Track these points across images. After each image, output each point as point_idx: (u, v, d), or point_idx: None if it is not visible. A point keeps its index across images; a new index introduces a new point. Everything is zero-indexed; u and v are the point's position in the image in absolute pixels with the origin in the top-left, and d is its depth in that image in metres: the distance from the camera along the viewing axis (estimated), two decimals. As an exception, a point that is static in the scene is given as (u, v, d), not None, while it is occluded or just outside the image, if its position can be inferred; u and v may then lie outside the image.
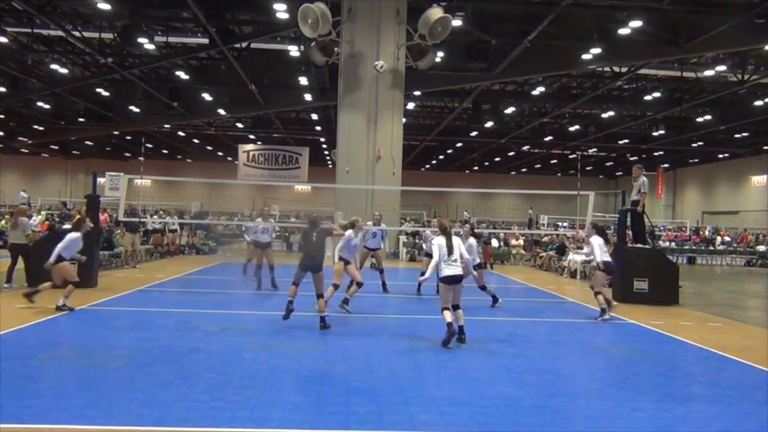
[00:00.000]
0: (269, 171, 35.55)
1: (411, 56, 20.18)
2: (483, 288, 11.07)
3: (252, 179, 35.03)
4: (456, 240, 7.62)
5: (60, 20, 20.98)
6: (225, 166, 49.72)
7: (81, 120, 36.91)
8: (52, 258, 9.08)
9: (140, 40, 21.10)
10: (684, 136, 36.47)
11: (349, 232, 9.98)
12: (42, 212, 23.34)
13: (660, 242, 27.69)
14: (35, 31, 23.23)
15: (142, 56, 24.75)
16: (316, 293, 8.29)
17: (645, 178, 12.72)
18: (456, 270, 7.39)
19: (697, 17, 19.26)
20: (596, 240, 9.93)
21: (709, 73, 24.60)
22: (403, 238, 23.32)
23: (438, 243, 7.53)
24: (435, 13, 17.85)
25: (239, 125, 41.07)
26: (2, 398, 4.75)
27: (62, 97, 32.66)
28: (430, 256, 11.49)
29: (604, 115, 33.83)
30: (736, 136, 36.71)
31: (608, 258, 9.93)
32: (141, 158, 37.87)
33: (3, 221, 23.08)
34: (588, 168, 54.11)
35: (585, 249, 15.84)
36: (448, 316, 7.30)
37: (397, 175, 21.13)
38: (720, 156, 44.34)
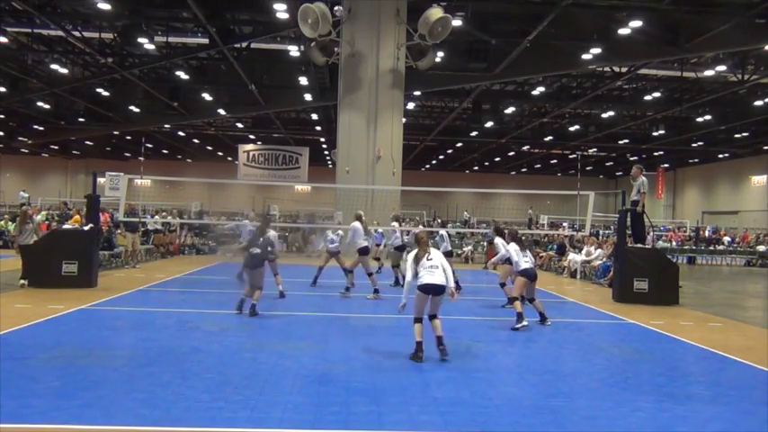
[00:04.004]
0: (269, 171, 35.52)
1: (411, 56, 20.17)
2: (346, 270, 12.02)
3: (252, 179, 35.01)
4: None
5: (60, 20, 20.98)
6: (225, 166, 49.70)
7: (81, 120, 36.90)
8: None
9: (140, 40, 21.10)
10: (684, 136, 36.47)
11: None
12: (42, 212, 23.30)
13: (660, 242, 27.68)
14: (35, 31, 23.24)
15: (142, 56, 24.74)
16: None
17: (644, 178, 12.69)
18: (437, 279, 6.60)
19: (697, 17, 19.25)
20: None
21: (709, 73, 24.60)
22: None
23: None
24: (435, 13, 17.84)
25: (239, 125, 41.08)
26: (2, 398, 4.75)
27: (62, 97, 32.67)
28: None
29: (604, 115, 33.84)
30: (736, 136, 36.70)
31: None
32: (141, 158, 37.88)
33: (2, 221, 23.07)
34: (588, 168, 54.10)
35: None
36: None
37: (397, 175, 21.12)
38: (720, 156, 44.33)
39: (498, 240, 10.64)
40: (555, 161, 52.49)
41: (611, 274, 13.61)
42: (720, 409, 5.23)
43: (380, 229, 16.47)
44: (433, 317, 6.66)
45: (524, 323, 8.57)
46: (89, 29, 23.06)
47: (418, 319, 6.64)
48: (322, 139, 43.49)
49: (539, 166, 55.79)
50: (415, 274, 6.67)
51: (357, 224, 11.86)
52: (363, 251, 11.82)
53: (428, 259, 6.65)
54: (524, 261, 8.95)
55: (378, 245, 16.65)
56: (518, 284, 8.97)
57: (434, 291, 6.52)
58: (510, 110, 33.63)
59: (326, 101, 28.54)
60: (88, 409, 4.62)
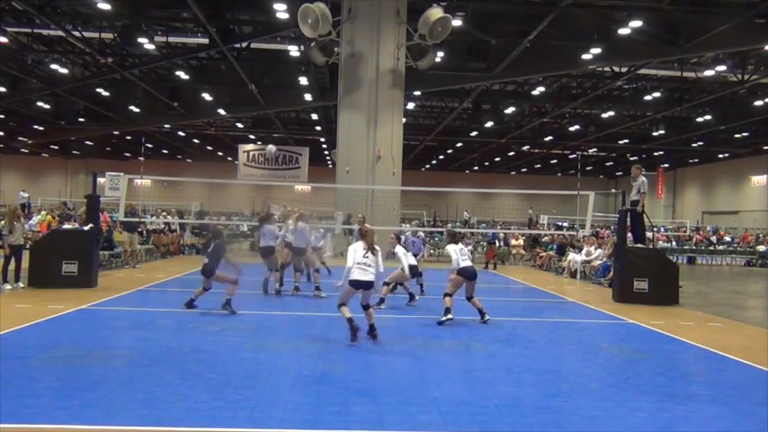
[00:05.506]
0: (269, 171, 35.57)
1: (411, 56, 20.18)
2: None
3: (252, 179, 35.07)
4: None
5: (60, 20, 20.98)
6: (225, 166, 49.73)
7: (81, 120, 36.94)
8: None
9: (140, 40, 21.08)
10: (684, 136, 36.50)
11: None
12: (42, 212, 23.32)
13: (661, 242, 27.67)
14: (35, 31, 23.25)
15: (142, 56, 24.75)
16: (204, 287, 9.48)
17: (644, 178, 12.70)
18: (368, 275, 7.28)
19: (697, 17, 19.26)
20: None
21: (709, 73, 24.60)
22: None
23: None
24: (435, 13, 17.85)
25: (239, 125, 41.09)
26: (2, 398, 4.74)
27: (62, 97, 32.68)
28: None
29: (604, 115, 33.84)
30: (736, 136, 36.73)
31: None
32: (141, 158, 37.91)
33: (2, 222, 23.04)
34: (588, 168, 54.13)
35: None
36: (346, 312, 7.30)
37: (397, 175, 21.12)
38: (720, 156, 44.36)
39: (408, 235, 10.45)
40: (555, 161, 52.51)
41: (611, 274, 13.61)
42: (720, 409, 5.22)
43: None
44: (365, 307, 7.45)
45: (450, 316, 8.68)
46: (89, 29, 23.07)
47: (343, 304, 7.35)
48: (322, 139, 43.51)
49: (539, 166, 55.81)
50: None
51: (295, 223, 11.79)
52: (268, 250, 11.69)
53: (364, 256, 7.28)
54: (463, 260, 8.92)
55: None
56: (454, 282, 8.97)
57: (364, 286, 7.29)
58: (510, 110, 33.64)
59: (326, 101, 28.55)
60: (88, 409, 4.62)
